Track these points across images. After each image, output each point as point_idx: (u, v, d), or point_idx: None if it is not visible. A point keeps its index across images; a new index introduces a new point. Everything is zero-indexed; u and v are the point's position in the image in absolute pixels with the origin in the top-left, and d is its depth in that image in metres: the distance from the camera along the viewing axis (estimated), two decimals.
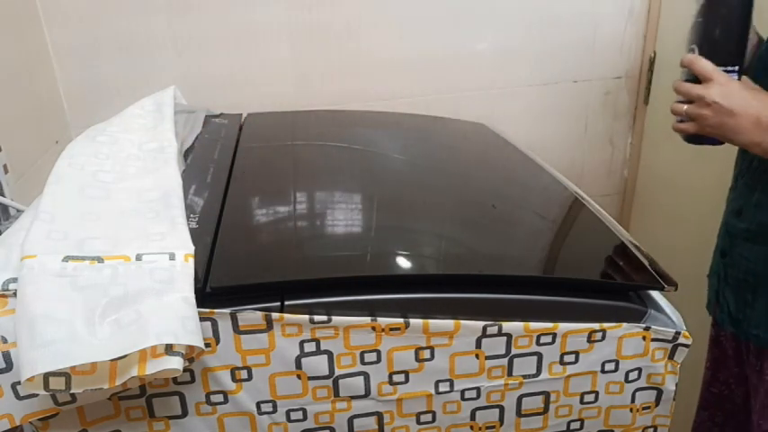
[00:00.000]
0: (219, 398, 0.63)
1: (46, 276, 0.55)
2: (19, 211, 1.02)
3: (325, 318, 0.61)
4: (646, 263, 0.71)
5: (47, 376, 0.51)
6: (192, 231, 0.68)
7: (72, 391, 0.52)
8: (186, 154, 0.93)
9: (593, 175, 1.86)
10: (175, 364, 0.53)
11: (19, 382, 0.54)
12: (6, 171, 1.18)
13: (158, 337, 0.52)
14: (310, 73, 1.53)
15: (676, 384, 0.70)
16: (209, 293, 0.60)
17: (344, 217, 0.76)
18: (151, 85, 1.46)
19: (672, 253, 1.54)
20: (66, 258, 0.57)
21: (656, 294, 0.70)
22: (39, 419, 0.58)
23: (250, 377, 0.63)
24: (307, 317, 0.61)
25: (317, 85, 1.55)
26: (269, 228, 0.75)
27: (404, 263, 0.69)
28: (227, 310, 0.60)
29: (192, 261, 0.60)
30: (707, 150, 1.30)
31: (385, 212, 0.79)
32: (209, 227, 0.71)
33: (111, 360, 0.51)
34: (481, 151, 1.09)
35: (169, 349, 0.53)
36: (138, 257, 0.59)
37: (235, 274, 0.64)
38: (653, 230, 1.83)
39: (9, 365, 0.54)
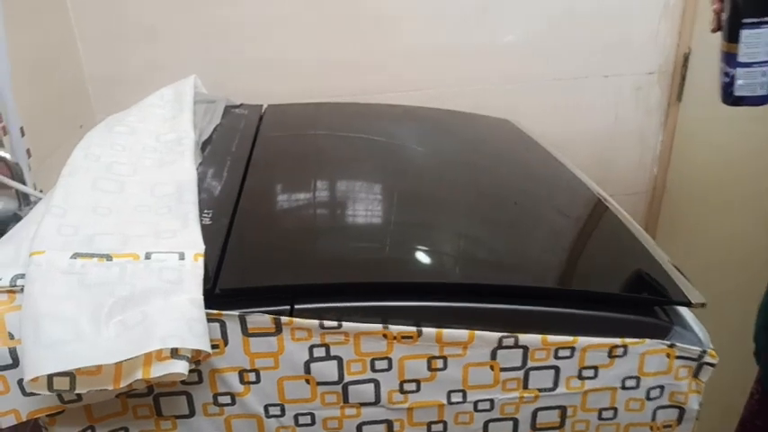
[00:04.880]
0: (227, 399, 0.62)
1: (53, 273, 0.54)
2: (38, 199, 1.02)
3: (335, 323, 0.60)
4: (673, 276, 0.68)
5: (51, 376, 0.50)
6: (205, 228, 0.67)
7: (77, 392, 0.51)
8: (204, 145, 0.92)
9: (621, 171, 1.82)
10: (181, 368, 0.52)
11: None
12: (29, 155, 1.18)
13: (164, 340, 0.51)
14: (333, 62, 1.51)
15: (700, 404, 0.67)
16: (218, 295, 0.59)
17: (361, 219, 0.75)
18: (175, 72, 1.45)
19: (700, 260, 1.51)
20: (75, 255, 0.56)
21: (682, 308, 0.67)
22: (45, 415, 0.57)
23: (258, 380, 0.62)
24: (317, 322, 0.59)
25: (339, 74, 1.53)
26: (283, 227, 0.73)
27: (418, 269, 0.67)
28: (236, 313, 0.58)
29: (201, 261, 0.59)
30: (744, 153, 1.25)
31: (402, 214, 0.77)
32: (222, 223, 0.70)
33: (116, 363, 0.51)
34: (505, 149, 1.06)
35: (175, 353, 0.52)
36: (147, 256, 0.58)
37: (245, 276, 0.62)
38: (681, 233, 1.79)
39: (15, 362, 0.54)
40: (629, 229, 0.77)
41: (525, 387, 0.65)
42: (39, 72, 1.25)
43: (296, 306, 0.60)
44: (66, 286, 0.53)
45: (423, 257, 0.69)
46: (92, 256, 0.57)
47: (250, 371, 0.61)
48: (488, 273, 0.68)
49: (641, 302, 0.66)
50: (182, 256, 0.59)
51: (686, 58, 1.67)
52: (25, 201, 1.03)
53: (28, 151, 1.18)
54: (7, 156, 0.99)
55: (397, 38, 1.51)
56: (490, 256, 0.71)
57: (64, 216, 0.61)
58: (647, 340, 0.64)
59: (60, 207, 0.62)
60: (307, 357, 0.61)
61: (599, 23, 1.59)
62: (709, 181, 1.62)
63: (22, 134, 1.13)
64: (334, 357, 0.61)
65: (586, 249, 0.74)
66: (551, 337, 0.62)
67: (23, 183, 1.04)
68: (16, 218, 1.04)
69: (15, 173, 1.02)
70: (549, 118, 1.67)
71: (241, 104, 1.15)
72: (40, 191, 1.23)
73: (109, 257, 0.57)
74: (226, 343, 0.60)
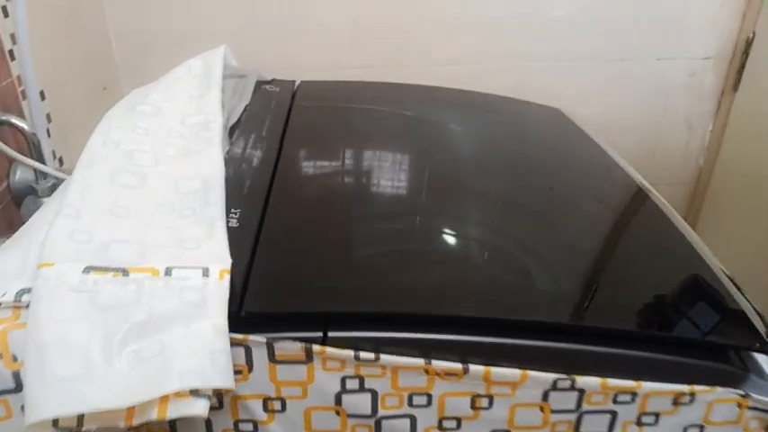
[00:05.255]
0: (249, 426, 0.57)
1: (62, 291, 0.48)
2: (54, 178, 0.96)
3: (372, 356, 0.53)
4: (749, 314, 0.61)
5: None
6: (231, 231, 0.61)
7: (84, 429, 0.46)
8: (233, 129, 0.85)
9: (665, 160, 1.74)
10: (200, 408, 0.47)
11: None
12: (50, 120, 1.13)
13: (182, 378, 0.46)
14: (367, 31, 1.43)
15: None
16: (245, 317, 0.53)
17: (404, 233, 0.67)
18: (202, 37, 1.38)
19: (742, 259, 1.42)
20: (88, 269, 0.50)
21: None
22: None
23: (284, 408, 0.56)
24: (351, 352, 0.53)
25: (374, 42, 1.46)
26: (316, 235, 0.66)
27: (466, 300, 0.60)
28: (263, 339, 0.52)
29: (227, 278, 0.53)
30: None
31: (451, 232, 0.69)
32: (250, 227, 0.63)
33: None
34: (556, 148, 0.97)
35: (195, 391, 0.47)
36: (168, 272, 0.52)
37: (274, 298, 0.56)
38: (724, 230, 1.70)
39: (19, 386, 0.49)
40: (700, 255, 0.69)
41: (577, 431, 0.59)
42: (61, 31, 1.18)
43: (329, 334, 0.53)
44: (75, 307, 0.48)
45: (471, 286, 0.62)
46: (106, 270, 0.51)
47: (275, 399, 0.56)
48: (542, 306, 0.60)
49: (715, 347, 0.59)
50: (206, 273, 0.52)
51: (748, 44, 1.56)
52: (42, 175, 0.98)
53: (48, 116, 1.12)
54: (25, 126, 0.93)
55: (436, 7, 1.42)
56: (544, 285, 0.64)
57: (78, 218, 0.55)
58: (719, 388, 0.57)
59: (74, 207, 0.56)
60: (338, 389, 0.55)
61: (654, 1, 1.48)
62: (759, 179, 1.53)
63: (42, 98, 1.07)
64: (369, 390, 0.55)
65: (650, 278, 0.66)
66: (612, 381, 0.56)
67: (41, 153, 0.98)
68: (32, 190, 0.99)
69: (33, 144, 0.96)
70: (594, 100, 1.59)
71: (273, 80, 1.07)
72: (60, 159, 1.18)
73: (125, 272, 0.51)
74: (250, 369, 0.54)
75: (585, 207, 0.79)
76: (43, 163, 0.95)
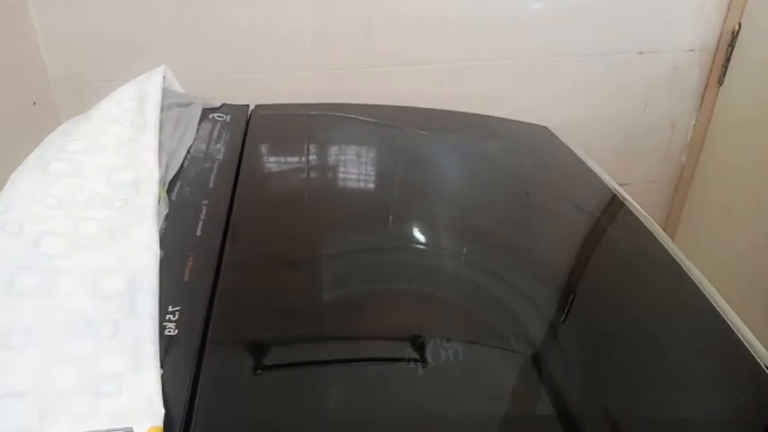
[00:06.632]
0: None
1: None
2: None
3: None
4: None
5: None
6: (167, 342, 0.48)
7: None
8: (174, 180, 0.71)
9: (647, 157, 1.67)
10: None
11: None
12: None
13: None
14: (334, 31, 1.31)
15: None
16: None
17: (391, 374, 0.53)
18: (144, 37, 1.23)
19: (724, 258, 1.35)
20: None
21: None
22: None
23: None
24: None
25: (341, 45, 1.33)
26: (282, 346, 0.53)
27: None
28: None
29: None
30: None
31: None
32: (193, 334, 0.51)
33: None
34: (542, 174, 0.86)
35: None
36: None
37: None
38: (705, 229, 1.65)
39: None
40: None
41: None
42: None
43: None
44: None
45: None
46: None
47: None
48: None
49: None
50: None
51: (734, 35, 1.48)
52: None
53: None
54: None
55: (408, 3, 1.30)
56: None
57: None
58: None
59: None
60: None
61: None
62: (743, 177, 1.47)
63: None
64: None
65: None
66: None
67: None
68: None
69: None
70: (575, 97, 1.50)
71: (222, 105, 0.93)
72: None
73: None
74: None
75: (574, 249, 0.69)
76: None
